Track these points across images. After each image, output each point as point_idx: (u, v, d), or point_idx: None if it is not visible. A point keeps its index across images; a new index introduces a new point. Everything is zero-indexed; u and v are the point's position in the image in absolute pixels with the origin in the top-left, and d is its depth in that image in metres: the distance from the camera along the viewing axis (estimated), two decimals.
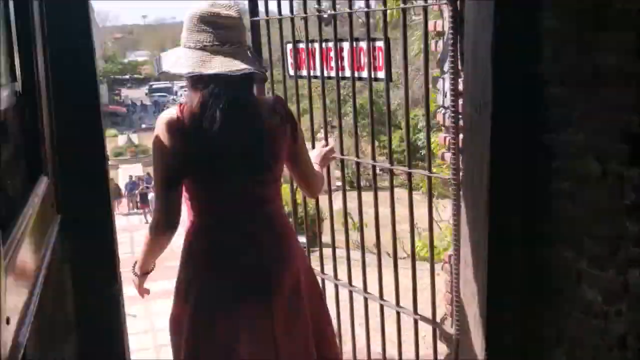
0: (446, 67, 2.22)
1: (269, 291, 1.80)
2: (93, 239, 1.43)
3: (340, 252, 3.01)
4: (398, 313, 2.52)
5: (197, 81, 1.77)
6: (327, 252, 2.90)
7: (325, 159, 2.26)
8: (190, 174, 1.77)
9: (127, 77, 56.94)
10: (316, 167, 2.11)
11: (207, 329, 1.79)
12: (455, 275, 2.07)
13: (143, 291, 1.94)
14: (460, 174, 2.00)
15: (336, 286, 2.81)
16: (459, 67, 2.07)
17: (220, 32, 1.72)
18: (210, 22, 1.73)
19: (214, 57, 1.72)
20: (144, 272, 1.88)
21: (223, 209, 1.81)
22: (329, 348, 2.03)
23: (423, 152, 2.23)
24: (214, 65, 1.71)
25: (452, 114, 2.09)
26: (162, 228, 1.76)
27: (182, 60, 1.75)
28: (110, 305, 1.47)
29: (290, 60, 2.89)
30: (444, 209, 7.76)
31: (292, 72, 2.89)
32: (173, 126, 1.74)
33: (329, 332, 2.08)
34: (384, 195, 2.51)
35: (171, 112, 1.78)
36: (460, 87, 2.06)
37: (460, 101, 2.05)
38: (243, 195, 1.80)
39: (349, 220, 2.82)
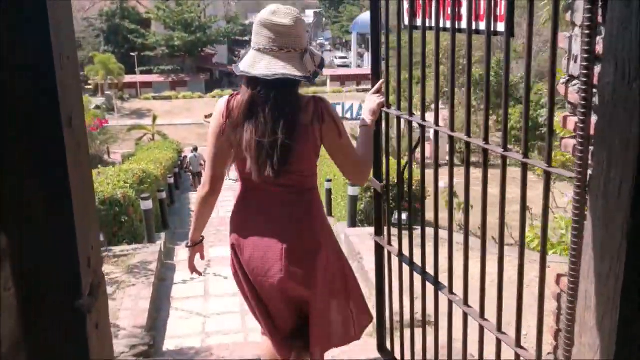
0: (578, 19, 1.59)
1: (279, 269, 2.07)
2: (46, 234, 1.03)
3: (442, 234, 2.49)
4: (499, 341, 1.98)
5: (249, 79, 2.00)
6: (428, 231, 2.44)
7: (374, 111, 2.34)
8: (231, 155, 2.10)
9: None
10: (368, 119, 2.29)
11: (244, 284, 2.21)
12: (568, 312, 1.50)
13: (193, 267, 2.34)
14: (589, 172, 1.40)
15: (423, 284, 2.32)
16: (598, 19, 1.45)
17: (274, 37, 1.95)
18: (266, 27, 1.96)
19: (264, 58, 1.96)
20: (194, 243, 2.30)
21: (252, 189, 2.13)
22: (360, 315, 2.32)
23: (544, 129, 1.72)
24: (259, 67, 1.95)
25: (583, 86, 1.48)
26: (206, 192, 2.17)
27: (245, 59, 2.01)
28: (72, 325, 1.08)
29: (406, 4, 2.34)
30: (562, 195, 6.81)
31: (407, 21, 2.34)
32: (222, 113, 2.07)
33: (359, 304, 2.33)
34: (497, 175, 1.94)
35: (224, 100, 2.10)
36: (599, 48, 1.44)
37: (597, 68, 1.44)
38: (268, 182, 2.04)
39: (455, 200, 2.33)
